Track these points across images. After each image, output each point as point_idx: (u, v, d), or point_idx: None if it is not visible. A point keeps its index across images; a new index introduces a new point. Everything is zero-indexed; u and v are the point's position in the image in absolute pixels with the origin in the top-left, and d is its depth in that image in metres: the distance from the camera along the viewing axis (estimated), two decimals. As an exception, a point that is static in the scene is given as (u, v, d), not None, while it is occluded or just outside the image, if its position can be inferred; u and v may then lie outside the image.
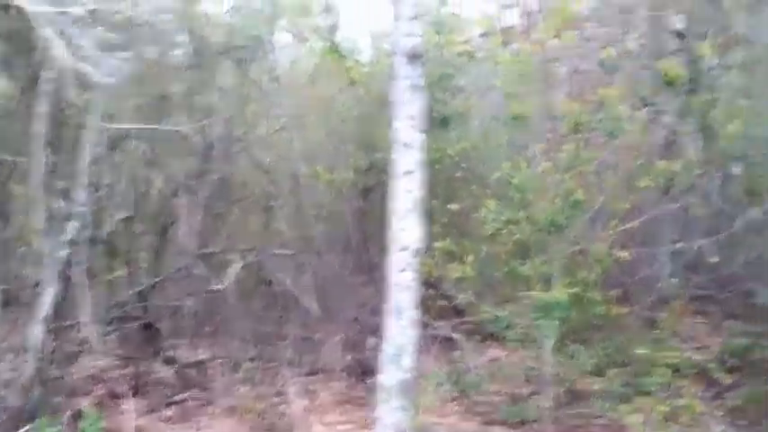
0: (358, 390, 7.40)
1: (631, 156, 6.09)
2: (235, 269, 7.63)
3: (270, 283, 8.34)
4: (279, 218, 8.39)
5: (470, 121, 8.22)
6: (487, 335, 7.49)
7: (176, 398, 7.27)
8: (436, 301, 7.01)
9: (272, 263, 8.18)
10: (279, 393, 7.13)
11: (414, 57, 5.42)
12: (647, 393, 6.15)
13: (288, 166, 8.30)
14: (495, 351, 8.07)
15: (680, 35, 6.78)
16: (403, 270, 5.68)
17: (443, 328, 7.55)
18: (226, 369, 7.47)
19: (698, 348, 8.20)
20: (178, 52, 7.80)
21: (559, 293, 5.58)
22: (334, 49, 8.11)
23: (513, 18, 8.24)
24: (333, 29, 8.59)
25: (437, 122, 8.15)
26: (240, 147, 8.36)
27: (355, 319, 7.90)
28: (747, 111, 7.62)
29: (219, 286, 7.58)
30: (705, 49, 5.79)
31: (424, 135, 5.69)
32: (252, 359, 7.71)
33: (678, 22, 6.76)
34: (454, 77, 8.13)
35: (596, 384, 6.48)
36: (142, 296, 8.02)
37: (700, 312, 9.16)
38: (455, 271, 5.72)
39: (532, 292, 5.77)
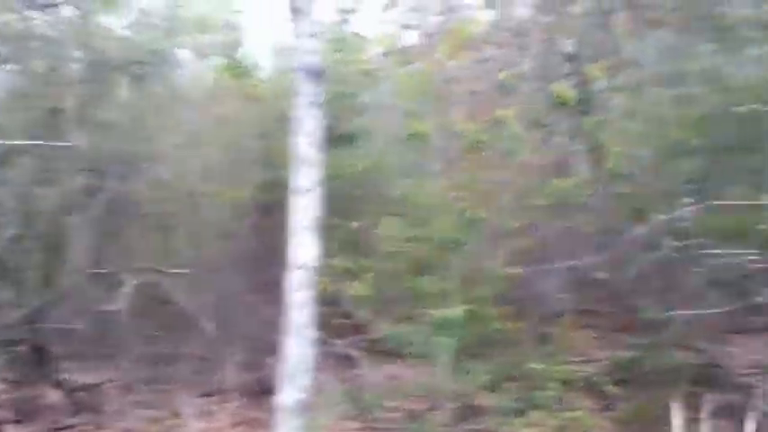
0: (257, 410, 7.30)
1: (525, 174, 6.26)
2: (129, 289, 7.44)
3: (166, 302, 8.17)
4: (175, 236, 8.24)
5: (373, 138, 8.28)
6: (387, 351, 7.54)
7: (66, 423, 7.03)
8: (335, 319, 7.00)
9: (168, 282, 8.02)
10: (174, 415, 6.99)
11: (314, 74, 5.43)
12: (540, 407, 6.30)
13: (186, 184, 8.17)
14: (394, 368, 8.12)
15: (571, 58, 7.02)
16: (300, 288, 5.67)
17: (343, 345, 7.54)
18: (119, 392, 7.27)
19: (588, 362, 8.45)
20: (73, 66, 7.61)
21: (456, 310, 5.68)
22: (235, 66, 8.05)
23: (413, 38, 8.38)
24: (235, 45, 8.54)
25: (339, 140, 8.21)
26: (136, 163, 8.19)
27: (255, 339, 7.81)
28: (634, 132, 7.97)
29: (113, 306, 7.38)
30: (595, 72, 6.02)
31: (322, 152, 5.72)
32: (146, 381, 7.52)
33: (570, 46, 7.00)
34: (357, 95, 8.19)
35: (492, 399, 6.60)
36: (31, 317, 7.73)
37: (590, 327, 9.46)
38: (352, 288, 5.74)
39: (430, 309, 5.84)
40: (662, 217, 6.01)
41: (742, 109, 6.73)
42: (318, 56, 5.45)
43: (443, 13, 7.48)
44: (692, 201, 7.37)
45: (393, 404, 7.24)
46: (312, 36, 5.40)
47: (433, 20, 7.83)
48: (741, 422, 5.35)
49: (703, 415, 4.05)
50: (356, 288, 5.82)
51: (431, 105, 6.08)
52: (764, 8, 6.99)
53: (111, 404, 7.11)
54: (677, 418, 3.93)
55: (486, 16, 7.36)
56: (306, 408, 5.80)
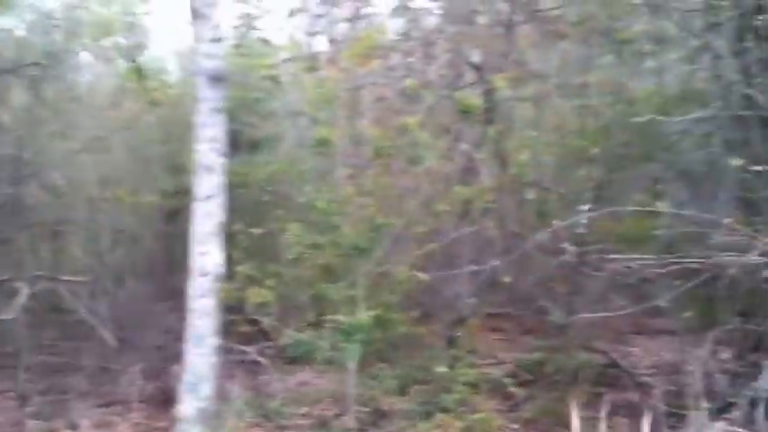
0: (161, 420, 7.15)
1: (432, 181, 6.34)
2: (23, 297, 7.20)
3: (63, 311, 7.94)
4: (73, 243, 8.03)
5: (280, 145, 8.26)
6: (295, 358, 7.51)
7: (-45, 436, 6.78)
8: (241, 326, 6.94)
9: (65, 290, 7.80)
10: (72, 427, 6.79)
11: (216, 79, 5.40)
12: (447, 410, 6.38)
13: (85, 189, 7.97)
14: (302, 374, 8.11)
15: (477, 68, 7.14)
16: (203, 296, 5.63)
17: (249, 352, 7.48)
18: (15, 403, 7.04)
19: (494, 364, 8.60)
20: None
21: (362, 316, 5.70)
22: (139, 69, 7.90)
23: (320, 45, 8.38)
24: (138, 48, 8.38)
25: (246, 146, 8.15)
26: (31, 169, 7.94)
27: (158, 347, 7.67)
28: (537, 141, 8.16)
29: (6, 316, 7.13)
30: (499, 81, 6.14)
31: (226, 159, 5.68)
32: (42, 392, 7.29)
33: (475, 56, 7.12)
34: (263, 102, 8.15)
35: (399, 403, 6.65)
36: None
37: (497, 330, 9.63)
38: (256, 295, 5.70)
39: (336, 316, 5.85)
40: (563, 223, 6.14)
41: (640, 119, 6.98)
42: (220, 60, 5.42)
43: (350, 20, 7.52)
44: (592, 207, 7.60)
45: (301, 411, 7.22)
46: (213, 40, 5.37)
47: (340, 27, 7.85)
48: (639, 421, 5.52)
49: (602, 414, 4.16)
50: (261, 295, 5.78)
51: (337, 112, 6.10)
52: (660, 23, 7.25)
53: (6, 415, 6.87)
54: (576, 418, 4.03)
55: (393, 25, 7.42)
56: (208, 417, 5.73)
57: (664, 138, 7.32)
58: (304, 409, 7.22)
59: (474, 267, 6.98)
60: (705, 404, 4.41)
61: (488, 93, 6.75)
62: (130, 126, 8.50)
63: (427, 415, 6.41)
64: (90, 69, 9.14)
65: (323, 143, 5.58)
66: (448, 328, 7.46)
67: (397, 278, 6.40)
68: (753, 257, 5.01)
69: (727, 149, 6.98)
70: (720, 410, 4.62)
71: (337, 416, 6.85)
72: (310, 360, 6.73)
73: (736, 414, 4.70)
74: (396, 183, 5.89)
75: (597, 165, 7.98)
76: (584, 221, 5.92)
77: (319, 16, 7.76)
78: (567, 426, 5.59)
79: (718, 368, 6.07)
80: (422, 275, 6.43)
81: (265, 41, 7.66)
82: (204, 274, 5.68)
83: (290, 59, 7.78)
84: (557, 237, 7.17)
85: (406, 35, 7.29)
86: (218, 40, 5.44)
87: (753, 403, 4.53)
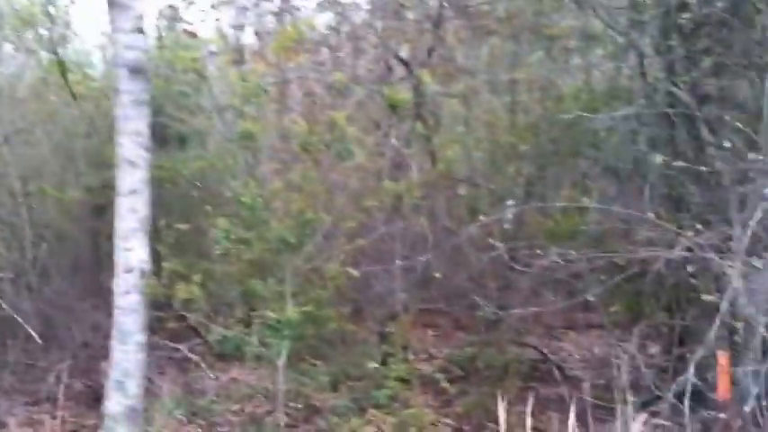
0: (89, 418, 7.03)
1: (361, 176, 6.32)
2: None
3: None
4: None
5: (207, 139, 8.16)
6: (227, 355, 7.44)
7: None
8: (171, 323, 6.84)
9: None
10: (-1, 425, 6.64)
11: (136, 71, 5.29)
12: (379, 406, 6.37)
13: (7, 183, 7.76)
14: (234, 371, 8.04)
15: (406, 63, 7.14)
16: (128, 292, 5.53)
17: (180, 349, 7.37)
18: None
19: (427, 360, 8.65)
20: None
21: (290, 312, 5.66)
22: (60, 62, 7.71)
23: (247, 38, 8.30)
24: (62, 40, 8.18)
25: (174, 141, 8.03)
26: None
27: (85, 344, 7.52)
28: (467, 137, 8.22)
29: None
30: (426, 77, 6.15)
31: (150, 153, 5.58)
32: (-35, 391, 7.11)
33: (404, 52, 7.12)
34: (190, 95, 8.04)
35: (331, 399, 6.63)
36: None
37: (430, 325, 9.68)
38: (183, 292, 5.62)
39: (266, 311, 5.80)
40: (488, 218, 6.19)
41: (567, 116, 7.07)
42: (141, 52, 5.31)
43: (278, 13, 7.46)
44: (522, 203, 7.70)
45: (232, 408, 7.16)
46: (134, 31, 5.26)
47: (267, 20, 7.79)
48: (568, 414, 5.58)
49: (529, 408, 4.20)
50: (189, 291, 5.69)
51: (264, 106, 6.05)
52: (587, 20, 7.35)
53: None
54: (503, 413, 4.06)
55: (322, 19, 7.39)
56: (135, 415, 5.64)
57: (591, 134, 7.42)
58: (235, 406, 7.17)
59: (405, 262, 6.96)
60: (632, 397, 4.47)
61: (417, 88, 6.76)
62: (54, 119, 8.29)
63: (359, 411, 6.40)
64: (12, 61, 8.90)
65: (247, 137, 5.51)
66: (380, 324, 7.46)
67: (327, 274, 6.37)
68: (677, 253, 5.09)
69: (653, 146, 7.12)
70: (647, 404, 4.70)
71: (269, 413, 6.80)
72: (241, 357, 6.66)
73: (662, 407, 4.78)
74: (324, 178, 5.85)
75: (527, 161, 8.08)
76: (511, 217, 5.95)
77: (245, 9, 7.68)
78: (498, 421, 5.63)
79: (646, 362, 6.16)
80: (353, 271, 6.41)
81: (191, 34, 7.54)
82: (129, 271, 5.59)
83: (215, 53, 7.69)
84: (489, 232, 7.23)
85: (334, 29, 7.26)
86: (138, 30, 5.33)
87: (679, 396, 4.61)
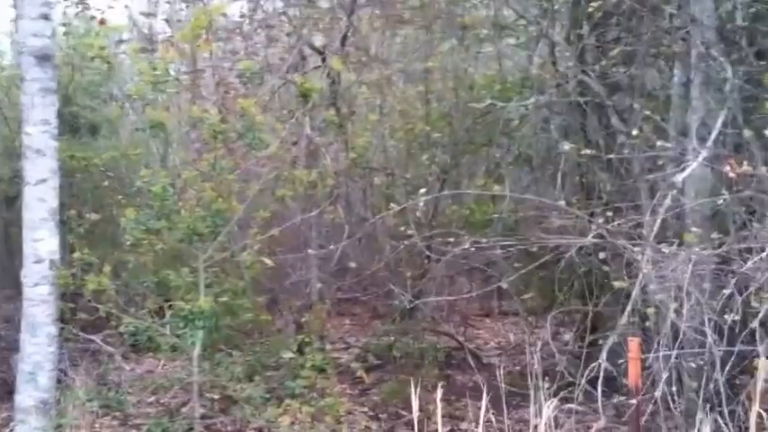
0: (1, 410, 6.91)
1: (274, 165, 6.28)
2: None
3: None
4: None
5: (118, 128, 8.02)
6: (143, 346, 7.32)
7: None
8: (85, 314, 6.70)
9: None
10: None
11: (42, 58, 5.14)
12: (295, 396, 6.35)
13: None
14: (151, 362, 7.93)
15: (319, 52, 7.12)
16: (38, 283, 5.40)
17: (94, 341, 7.21)
18: None
19: (345, 349, 8.67)
20: None
21: (203, 303, 5.58)
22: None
23: (157, 26, 8.15)
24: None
25: (86, 130, 7.87)
26: None
27: (-1, 337, 7.35)
28: (382, 126, 8.25)
29: None
30: (337, 64, 6.13)
31: (58, 142, 5.45)
32: None
33: (318, 40, 7.10)
34: (102, 84, 7.90)
35: (247, 390, 6.57)
36: None
37: (348, 314, 9.71)
38: (94, 282, 5.49)
39: (179, 302, 5.71)
40: (402, 206, 6.21)
41: (480, 105, 7.14)
42: (47, 39, 5.17)
43: (188, 1, 7.33)
44: (438, 192, 7.75)
45: (148, 399, 7.07)
46: (40, 18, 5.11)
47: (178, 8, 7.66)
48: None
49: (439, 395, 4.22)
50: (100, 282, 5.57)
51: (175, 95, 5.95)
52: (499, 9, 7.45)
53: None
54: (415, 401, 4.08)
55: (234, 7, 7.30)
56: (47, 408, 5.51)
57: (504, 123, 7.53)
58: (151, 398, 7.07)
59: (318, 251, 6.96)
60: (546, 384, 4.53)
61: (331, 77, 6.74)
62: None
63: (275, 401, 6.37)
64: None
65: (156, 126, 5.41)
66: (296, 314, 7.44)
67: (242, 264, 6.31)
68: (589, 240, 5.17)
69: (565, 135, 7.25)
70: (560, 389, 4.78)
71: (185, 404, 6.72)
72: (156, 348, 6.56)
73: (576, 392, 4.86)
74: (236, 167, 5.78)
75: (441, 150, 8.15)
76: (422, 205, 5.98)
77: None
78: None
79: (560, 348, 6.27)
80: (268, 261, 6.36)
81: (101, 22, 7.36)
82: (38, 261, 5.45)
83: (124, 41, 7.53)
84: (404, 221, 7.27)
85: (247, 17, 7.18)
86: (44, 17, 5.18)
87: (592, 382, 4.70)
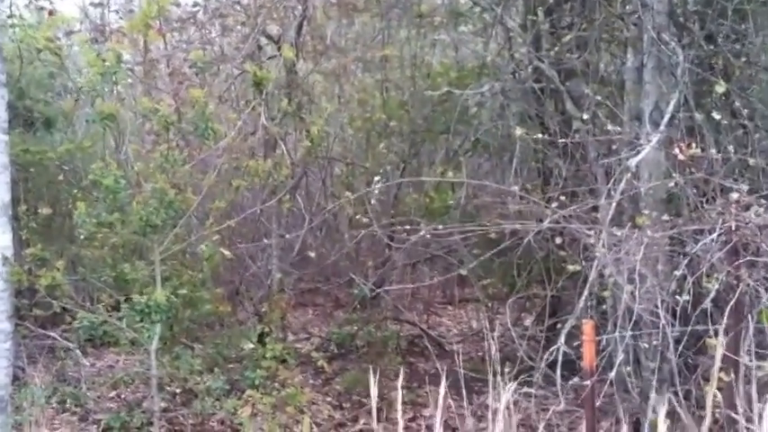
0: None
1: (229, 156, 6.23)
2: None
3: None
4: None
5: (71, 122, 7.90)
6: (101, 340, 7.24)
7: None
8: (41, 310, 6.62)
9: None
10: None
11: (-12, 51, 5.06)
12: (255, 386, 6.33)
13: None
14: (110, 356, 7.85)
15: (275, 41, 7.06)
16: (-10, 279, 5.32)
17: (52, 336, 7.13)
18: None
19: (306, 339, 8.65)
20: None
21: (159, 296, 5.53)
22: None
23: (109, 16, 8.04)
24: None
25: (40, 124, 7.74)
26: None
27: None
28: (339, 115, 8.22)
29: None
30: (289, 53, 6.09)
31: (8, 135, 5.37)
32: None
33: (273, 29, 7.03)
34: (55, 77, 7.77)
35: (206, 382, 6.53)
36: None
37: (310, 304, 9.68)
38: (46, 278, 5.42)
39: (135, 296, 5.65)
40: (358, 194, 6.21)
41: (437, 93, 7.15)
42: (-8, 30, 5.09)
43: (138, -10, 7.25)
44: (395, 180, 7.76)
45: (109, 394, 7.00)
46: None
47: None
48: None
49: (400, 383, 4.23)
50: (54, 277, 5.49)
51: (130, 87, 5.87)
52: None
53: None
54: (374, 389, 4.08)
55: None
56: (4, 404, 5.44)
57: (462, 111, 7.53)
58: (112, 393, 7.01)
59: (276, 240, 6.93)
60: (506, 368, 4.56)
61: (287, 66, 6.69)
62: None
63: (236, 392, 6.33)
64: None
65: (107, 119, 5.33)
66: (258, 305, 7.40)
67: (200, 256, 6.26)
68: (546, 225, 5.19)
69: (521, 121, 7.28)
70: (521, 373, 4.80)
71: (146, 398, 6.67)
72: (115, 342, 6.49)
73: (535, 376, 4.90)
74: (190, 158, 5.72)
75: (400, 138, 8.15)
76: (377, 192, 5.98)
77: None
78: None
79: (520, 333, 6.30)
80: (227, 252, 6.31)
81: (50, 13, 7.23)
82: (-10, 257, 5.36)
83: (74, 32, 7.40)
84: (364, 210, 7.26)
85: (202, 7, 7.10)
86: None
87: (552, 366, 4.74)
